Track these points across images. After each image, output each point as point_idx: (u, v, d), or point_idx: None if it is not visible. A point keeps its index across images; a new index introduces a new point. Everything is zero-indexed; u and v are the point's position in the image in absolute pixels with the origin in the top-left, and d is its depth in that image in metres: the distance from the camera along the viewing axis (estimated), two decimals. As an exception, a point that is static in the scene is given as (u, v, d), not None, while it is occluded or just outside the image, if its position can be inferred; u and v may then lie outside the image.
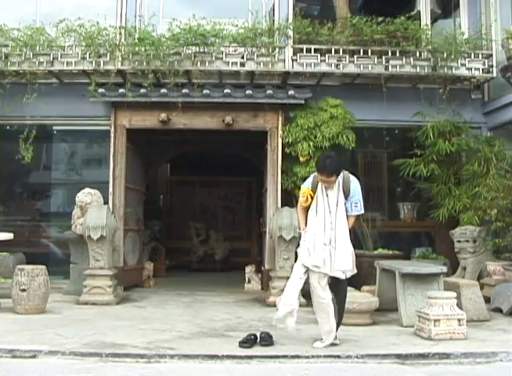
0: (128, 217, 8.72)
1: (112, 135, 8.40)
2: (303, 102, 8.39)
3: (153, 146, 9.89)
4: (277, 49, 8.35)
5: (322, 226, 4.99)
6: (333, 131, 8.13)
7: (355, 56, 8.36)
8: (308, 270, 5.01)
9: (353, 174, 5.30)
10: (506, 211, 7.32)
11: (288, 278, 5.25)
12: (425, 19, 9.17)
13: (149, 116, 8.43)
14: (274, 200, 8.28)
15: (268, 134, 8.48)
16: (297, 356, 4.68)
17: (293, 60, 8.37)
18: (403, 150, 9.17)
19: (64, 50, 8.21)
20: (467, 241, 7.75)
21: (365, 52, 8.38)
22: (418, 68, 8.43)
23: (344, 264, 4.98)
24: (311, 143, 8.15)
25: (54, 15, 8.46)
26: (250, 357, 4.65)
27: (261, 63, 8.32)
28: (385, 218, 9.79)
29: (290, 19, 8.47)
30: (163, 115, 8.29)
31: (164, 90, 8.17)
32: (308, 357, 4.67)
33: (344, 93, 8.64)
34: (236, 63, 8.31)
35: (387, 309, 6.36)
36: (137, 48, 8.10)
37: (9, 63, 8.16)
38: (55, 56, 8.20)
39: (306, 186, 5.20)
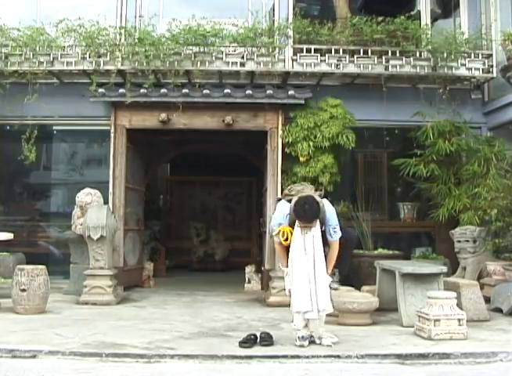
0: (128, 217, 8.72)
1: (112, 135, 8.40)
2: (303, 102, 8.39)
3: (153, 146, 9.89)
4: (277, 49, 8.35)
5: (305, 269, 4.91)
6: (333, 131, 8.12)
7: (355, 56, 8.36)
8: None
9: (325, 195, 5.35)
10: (506, 211, 7.31)
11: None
12: (425, 18, 9.17)
13: (149, 116, 8.43)
14: (274, 200, 8.26)
15: (268, 134, 8.48)
16: (297, 356, 4.68)
17: (293, 60, 8.37)
18: (403, 150, 9.17)
19: (64, 50, 8.22)
20: (467, 241, 7.74)
21: (365, 52, 8.38)
22: (418, 68, 8.43)
23: (326, 303, 4.95)
24: (311, 143, 8.15)
25: (54, 14, 8.46)
26: (250, 357, 4.64)
27: (261, 63, 8.32)
28: (385, 218, 9.79)
29: (290, 19, 8.48)
30: (163, 115, 8.29)
31: (164, 90, 8.17)
32: (308, 357, 4.67)
33: (344, 93, 8.64)
34: (236, 63, 8.31)
35: (387, 309, 6.35)
36: (137, 49, 8.10)
37: (9, 63, 8.16)
38: (55, 56, 8.20)
39: (284, 223, 5.03)
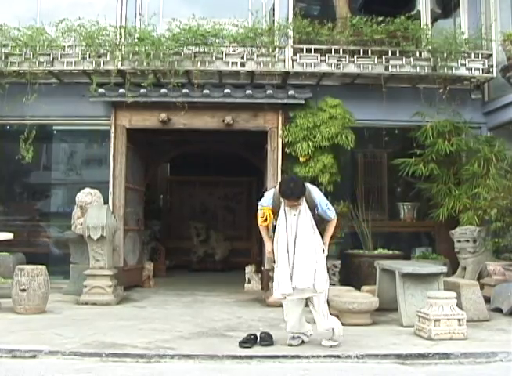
0: (128, 217, 8.72)
1: (112, 135, 8.40)
2: (303, 102, 8.39)
3: (153, 146, 9.90)
4: (277, 49, 8.35)
5: (285, 251, 4.91)
6: (333, 132, 8.12)
7: (355, 56, 8.36)
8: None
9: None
10: (506, 211, 7.32)
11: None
12: (425, 19, 9.17)
13: (149, 116, 8.43)
14: (274, 200, 8.27)
15: (268, 134, 8.48)
16: (297, 356, 4.68)
17: (293, 60, 8.37)
18: (403, 150, 9.17)
19: (64, 50, 8.21)
20: (467, 241, 7.74)
21: (366, 52, 8.38)
22: (418, 68, 8.43)
23: (303, 281, 4.85)
24: (311, 143, 8.15)
25: (54, 14, 8.47)
26: (250, 357, 4.65)
27: (261, 63, 8.32)
28: (385, 218, 9.79)
29: (290, 19, 8.47)
30: (163, 115, 8.29)
31: (164, 90, 8.17)
32: (308, 357, 4.67)
33: (343, 93, 8.64)
34: (236, 63, 8.31)
35: (387, 309, 6.36)
36: (137, 48, 8.11)
37: (8, 63, 8.16)
38: (55, 55, 8.20)
39: (266, 205, 5.10)
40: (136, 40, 8.15)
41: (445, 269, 6.26)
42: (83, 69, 8.24)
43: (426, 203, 9.13)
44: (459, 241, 7.85)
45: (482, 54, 8.59)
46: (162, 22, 8.48)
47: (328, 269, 5.25)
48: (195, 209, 13.29)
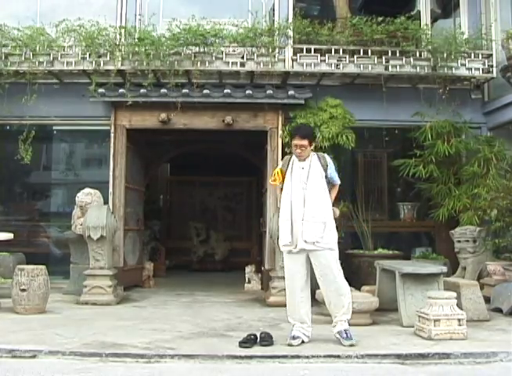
0: (128, 217, 8.72)
1: (112, 135, 8.40)
2: (303, 102, 8.39)
3: (153, 146, 9.90)
4: (277, 49, 8.35)
5: (289, 204, 5.10)
6: (333, 132, 8.12)
7: (355, 56, 8.36)
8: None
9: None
10: (506, 211, 7.31)
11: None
12: (425, 19, 9.17)
13: (149, 116, 8.43)
14: (274, 200, 8.26)
15: (268, 134, 8.48)
16: (297, 356, 4.68)
17: (293, 60, 8.37)
18: (403, 150, 9.17)
19: (64, 50, 8.21)
20: (467, 241, 7.74)
21: (366, 52, 8.38)
22: (418, 68, 8.43)
23: (312, 235, 4.99)
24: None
25: (53, 14, 8.47)
26: (250, 357, 4.64)
27: (261, 63, 8.32)
28: (385, 218, 9.79)
29: (290, 19, 8.47)
30: (163, 115, 8.29)
31: (164, 90, 8.17)
32: (308, 357, 4.66)
33: (344, 93, 8.64)
34: (236, 63, 8.31)
35: (387, 309, 6.35)
36: (137, 48, 8.10)
37: (8, 63, 8.15)
38: (55, 56, 8.19)
39: (278, 167, 5.46)
40: (136, 40, 8.15)
41: (445, 269, 6.25)
42: (83, 69, 8.24)
43: (426, 203, 9.13)
44: (459, 241, 7.85)
45: (482, 54, 8.59)
46: (162, 22, 8.48)
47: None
48: (195, 209, 13.29)
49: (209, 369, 4.42)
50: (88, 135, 9.78)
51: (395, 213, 9.77)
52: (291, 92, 8.30)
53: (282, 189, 5.28)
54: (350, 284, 6.64)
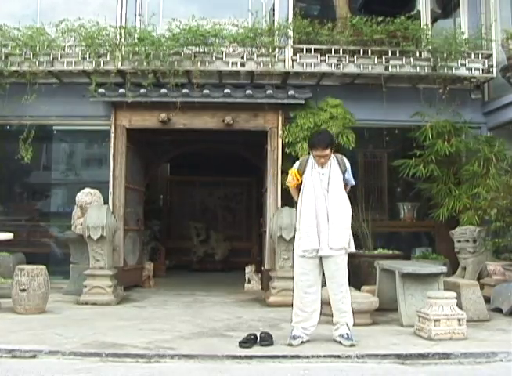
0: (128, 217, 8.72)
1: (112, 135, 8.40)
2: (303, 102, 8.39)
3: (153, 146, 9.90)
4: (277, 49, 8.35)
5: (313, 211, 5.08)
6: (333, 131, 8.06)
7: (355, 56, 8.36)
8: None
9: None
10: (506, 211, 7.31)
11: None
12: (425, 19, 9.17)
13: (149, 116, 8.43)
14: (274, 200, 8.28)
15: (268, 134, 8.49)
16: (297, 356, 4.67)
17: (293, 60, 8.38)
18: (403, 150, 9.17)
19: (64, 50, 8.21)
20: (467, 241, 7.74)
21: (366, 52, 8.38)
22: (418, 68, 8.43)
23: (338, 242, 5.04)
24: (308, 143, 8.13)
25: (53, 14, 8.48)
26: (250, 357, 4.64)
27: (261, 63, 8.32)
28: (385, 218, 9.79)
29: (290, 19, 8.47)
30: (163, 115, 8.29)
31: (163, 90, 8.17)
32: (308, 357, 4.66)
33: (344, 93, 8.64)
34: (236, 63, 8.31)
35: (387, 309, 6.35)
36: (137, 48, 8.11)
37: (8, 63, 8.16)
38: (55, 56, 8.19)
39: (293, 168, 5.39)
40: (136, 40, 8.14)
41: (445, 269, 6.26)
42: (83, 69, 8.24)
43: (426, 203, 9.13)
44: (459, 241, 7.85)
45: (482, 54, 8.59)
46: (162, 22, 8.48)
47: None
48: (195, 209, 13.29)
49: (209, 369, 4.42)
50: (88, 135, 9.77)
51: (395, 213, 9.77)
52: (291, 92, 8.30)
53: (299, 190, 5.25)
54: (350, 284, 6.65)
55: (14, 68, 8.14)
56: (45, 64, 8.19)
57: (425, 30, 8.65)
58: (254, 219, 11.88)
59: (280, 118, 8.46)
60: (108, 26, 8.19)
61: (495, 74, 8.57)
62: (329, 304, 5.24)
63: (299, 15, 8.47)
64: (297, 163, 5.41)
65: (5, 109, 8.17)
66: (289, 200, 8.12)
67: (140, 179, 9.53)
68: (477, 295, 6.30)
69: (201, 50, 8.22)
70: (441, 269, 6.17)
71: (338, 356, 4.67)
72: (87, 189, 8.01)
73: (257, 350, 4.81)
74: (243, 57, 8.29)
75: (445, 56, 8.32)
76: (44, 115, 8.41)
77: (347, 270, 5.17)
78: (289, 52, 8.39)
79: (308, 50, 8.38)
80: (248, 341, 4.93)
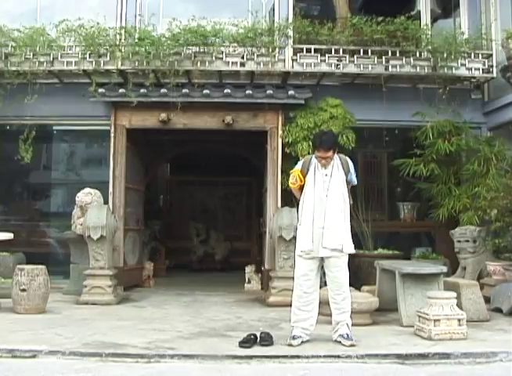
0: (128, 217, 8.72)
1: (112, 135, 8.40)
2: (303, 102, 8.39)
3: (153, 146, 9.90)
4: (277, 49, 8.35)
5: (311, 212, 5.09)
6: (334, 131, 8.11)
7: (355, 56, 8.36)
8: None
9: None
10: (506, 211, 7.31)
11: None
12: (425, 19, 9.17)
13: (149, 116, 8.43)
14: (274, 200, 8.28)
15: (268, 134, 8.48)
16: (297, 356, 4.67)
17: (293, 60, 8.38)
18: (403, 150, 9.16)
19: (64, 50, 8.21)
20: (467, 241, 7.74)
21: (366, 52, 8.38)
22: (418, 68, 8.43)
23: (331, 242, 5.04)
24: (311, 143, 8.13)
25: (53, 13, 8.50)
26: (250, 357, 4.64)
27: (261, 63, 8.32)
28: (385, 218, 9.78)
29: (290, 19, 8.47)
30: (163, 115, 8.29)
31: (164, 90, 8.17)
32: (308, 357, 4.66)
33: (344, 93, 8.64)
34: (236, 63, 8.30)
35: (387, 309, 6.35)
36: (137, 48, 8.09)
37: (9, 63, 8.16)
38: (56, 56, 8.19)
39: (296, 168, 5.36)
40: (136, 40, 8.14)
41: (445, 269, 6.25)
42: (83, 69, 8.24)
43: (426, 203, 9.13)
44: (459, 241, 7.84)
45: (482, 54, 8.59)
46: (162, 22, 8.48)
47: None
48: (195, 209, 13.28)
49: (209, 369, 4.42)
50: (88, 135, 9.78)
51: (395, 213, 9.76)
52: (291, 92, 8.30)
53: (301, 190, 5.25)
54: (350, 284, 6.65)
55: (14, 68, 8.13)
56: (45, 64, 8.19)
57: (425, 30, 8.65)
58: (254, 219, 11.87)
59: (280, 118, 8.45)
60: (108, 26, 8.19)
61: (495, 74, 8.57)
62: (328, 304, 5.24)
63: (299, 15, 8.47)
64: (300, 163, 5.39)
65: (6, 109, 8.16)
66: (289, 200, 8.14)
67: (140, 179, 9.53)
68: (477, 295, 6.30)
69: (201, 50, 8.22)
70: (441, 269, 6.17)
71: (338, 356, 4.67)
72: (87, 189, 8.01)
73: (257, 350, 4.81)
74: (243, 57, 8.29)
75: (445, 56, 8.32)
76: (44, 115, 8.43)
77: (347, 271, 5.18)
78: (289, 52, 8.39)
79: (308, 50, 8.38)
80: (248, 341, 4.93)
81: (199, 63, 8.23)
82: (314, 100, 8.52)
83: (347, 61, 8.36)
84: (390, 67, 8.41)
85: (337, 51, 8.37)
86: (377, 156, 10.00)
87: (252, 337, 5.00)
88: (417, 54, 8.46)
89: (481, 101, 9.13)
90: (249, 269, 9.09)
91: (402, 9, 8.96)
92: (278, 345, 4.97)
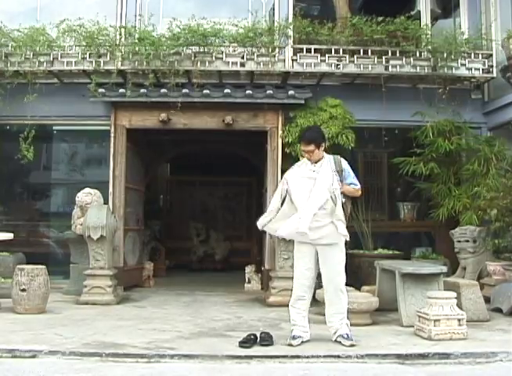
0: (128, 217, 8.72)
1: (112, 135, 8.40)
2: (303, 102, 8.39)
3: (153, 146, 9.89)
4: (277, 49, 8.35)
5: (294, 210, 5.14)
6: (333, 131, 8.11)
7: (355, 56, 8.36)
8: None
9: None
10: (506, 211, 7.31)
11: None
12: (425, 19, 9.16)
13: (149, 116, 8.43)
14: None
15: (268, 134, 8.48)
16: (297, 356, 4.67)
17: (293, 60, 8.37)
18: (403, 150, 9.16)
19: (64, 50, 8.21)
20: (467, 241, 7.74)
21: (365, 52, 8.38)
22: (418, 68, 8.43)
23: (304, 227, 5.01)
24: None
25: (53, 14, 8.47)
26: (250, 357, 4.64)
27: (261, 63, 8.32)
28: (385, 218, 9.78)
29: (290, 19, 8.47)
30: (163, 115, 8.29)
31: (164, 90, 8.17)
32: (308, 357, 4.66)
33: (344, 93, 8.64)
34: (236, 63, 8.31)
35: (387, 309, 6.35)
36: (137, 48, 8.10)
37: (9, 63, 8.16)
38: (56, 56, 8.19)
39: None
40: (136, 40, 8.15)
41: (445, 269, 6.26)
42: (83, 69, 8.24)
43: (426, 203, 9.13)
44: (459, 241, 7.85)
45: (482, 54, 8.59)
46: (162, 22, 8.48)
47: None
48: (195, 209, 13.29)
49: (209, 369, 4.42)
50: (88, 135, 9.78)
51: (395, 213, 9.76)
52: (291, 92, 8.30)
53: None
54: (350, 284, 6.65)
55: (14, 68, 8.14)
56: (45, 64, 8.19)
57: (425, 30, 8.65)
58: (254, 219, 11.83)
59: (280, 118, 8.45)
60: (108, 26, 8.20)
61: (495, 74, 8.57)
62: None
63: (299, 15, 8.47)
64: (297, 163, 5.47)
65: (6, 109, 8.17)
66: (289, 200, 8.13)
67: (140, 179, 9.53)
68: (477, 295, 6.30)
69: (201, 50, 8.22)
70: (441, 269, 6.17)
71: (338, 356, 4.68)
72: (87, 189, 8.00)
73: (257, 350, 4.81)
74: (243, 57, 8.29)
75: (445, 56, 8.32)
76: (44, 115, 8.42)
77: (342, 268, 5.13)
78: (289, 52, 8.39)
79: (308, 50, 8.38)
80: (248, 341, 4.93)
81: (199, 63, 8.23)
82: (314, 100, 8.52)
83: (347, 61, 8.36)
84: (390, 67, 8.41)
85: (336, 51, 8.37)
86: (377, 156, 10.00)
87: (252, 337, 5.00)
88: (417, 54, 8.46)
89: (481, 101, 9.13)
90: (249, 269, 9.09)
91: (401, 9, 8.97)
92: (278, 345, 4.97)
